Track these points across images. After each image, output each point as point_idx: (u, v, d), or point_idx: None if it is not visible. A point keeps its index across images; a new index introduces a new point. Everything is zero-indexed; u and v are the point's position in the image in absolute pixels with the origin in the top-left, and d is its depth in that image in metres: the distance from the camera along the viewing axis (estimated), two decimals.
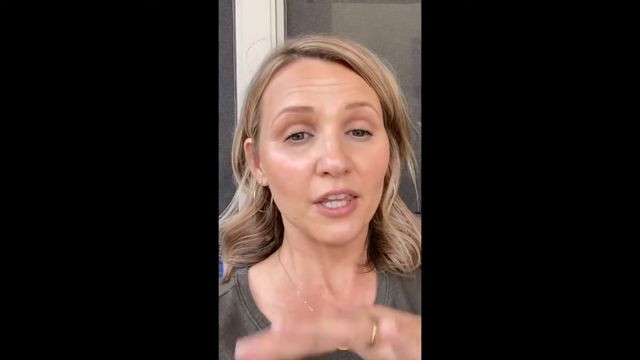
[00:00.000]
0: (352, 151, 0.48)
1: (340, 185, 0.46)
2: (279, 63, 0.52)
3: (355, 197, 0.48)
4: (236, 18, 0.73)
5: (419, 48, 0.76)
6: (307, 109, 0.47)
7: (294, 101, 0.48)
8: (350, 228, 0.47)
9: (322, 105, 0.47)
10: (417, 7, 0.76)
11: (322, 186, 0.47)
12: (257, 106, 0.53)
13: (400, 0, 0.76)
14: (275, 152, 0.49)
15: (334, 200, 0.47)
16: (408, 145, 0.57)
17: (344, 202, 0.47)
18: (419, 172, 0.59)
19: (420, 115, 0.73)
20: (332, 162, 0.45)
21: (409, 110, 0.72)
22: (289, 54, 0.52)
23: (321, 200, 0.47)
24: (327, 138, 0.47)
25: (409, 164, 0.58)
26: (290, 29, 0.75)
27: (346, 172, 0.47)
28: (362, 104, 0.48)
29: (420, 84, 0.74)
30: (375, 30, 0.76)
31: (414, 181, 0.59)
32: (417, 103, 0.76)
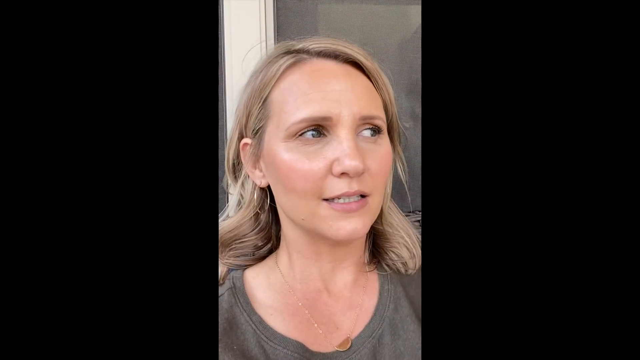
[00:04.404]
0: (363, 153, 0.48)
1: (355, 186, 0.47)
2: (288, 62, 0.51)
3: (365, 195, 0.49)
4: (224, 19, 0.72)
5: (407, 48, 0.77)
6: (326, 118, 0.48)
7: (314, 110, 0.47)
8: (362, 225, 0.48)
9: (340, 112, 0.48)
10: (405, 8, 0.77)
11: (338, 187, 0.47)
12: (262, 106, 0.52)
13: (387, 1, 0.76)
14: (287, 153, 0.49)
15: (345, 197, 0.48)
16: (398, 147, 0.58)
17: (355, 198, 0.48)
18: (407, 173, 0.60)
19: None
20: (351, 163, 0.46)
21: (397, 110, 0.73)
22: (297, 54, 0.52)
23: (332, 198, 0.48)
24: (344, 139, 0.47)
25: (397, 166, 0.59)
26: (280, 29, 0.75)
27: (361, 173, 0.47)
28: (372, 117, 0.49)
29: (407, 83, 0.75)
30: (363, 31, 0.76)
31: (404, 182, 0.59)
32: (404, 103, 0.76)
